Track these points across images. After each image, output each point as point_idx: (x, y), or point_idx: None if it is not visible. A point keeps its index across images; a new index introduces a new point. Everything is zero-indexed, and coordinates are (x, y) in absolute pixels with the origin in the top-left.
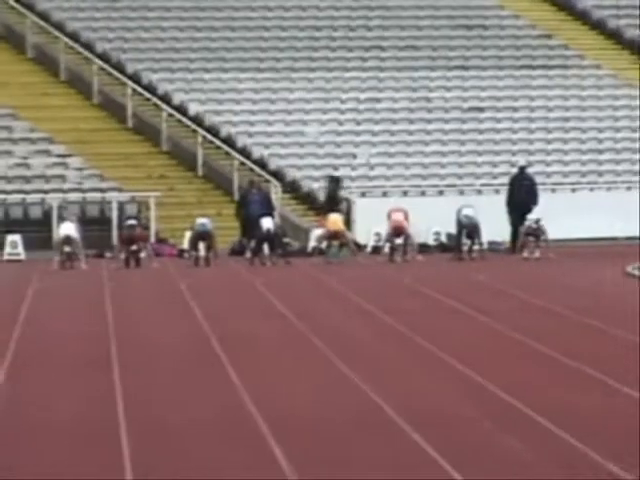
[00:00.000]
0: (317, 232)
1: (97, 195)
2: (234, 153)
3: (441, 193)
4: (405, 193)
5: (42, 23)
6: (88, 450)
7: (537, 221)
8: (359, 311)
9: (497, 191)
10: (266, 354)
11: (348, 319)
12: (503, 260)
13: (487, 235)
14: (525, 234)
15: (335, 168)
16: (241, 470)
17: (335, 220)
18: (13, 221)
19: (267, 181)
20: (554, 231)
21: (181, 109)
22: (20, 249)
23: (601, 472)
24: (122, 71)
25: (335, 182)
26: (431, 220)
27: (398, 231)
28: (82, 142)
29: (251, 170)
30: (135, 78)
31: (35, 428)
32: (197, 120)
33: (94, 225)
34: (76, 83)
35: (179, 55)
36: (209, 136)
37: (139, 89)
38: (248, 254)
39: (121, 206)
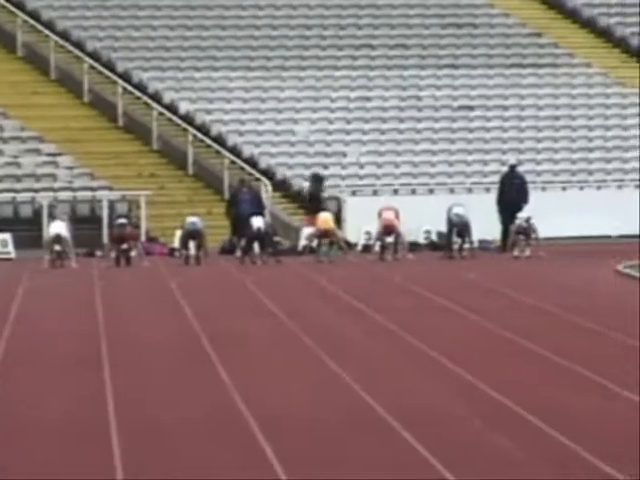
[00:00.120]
0: (307, 231)
1: (87, 194)
2: (224, 152)
3: (431, 192)
4: (395, 192)
5: (32, 22)
6: (78, 449)
7: (527, 219)
8: (350, 310)
9: (487, 190)
10: (256, 353)
11: (339, 318)
12: (493, 259)
13: (477, 234)
14: (515, 232)
15: (325, 167)
16: (232, 469)
17: (326, 219)
18: (3, 220)
19: (257, 180)
20: (544, 229)
21: (171, 108)
22: (10, 248)
23: (592, 471)
24: (112, 70)
25: (318, 181)
26: (421, 218)
27: (389, 230)
28: (72, 141)
29: (241, 169)
30: (125, 77)
31: (25, 427)
32: (187, 119)
33: (84, 224)
34: (66, 82)
35: (170, 54)
36: (199, 135)
37: (129, 88)
38: (238, 253)
39: (111, 205)
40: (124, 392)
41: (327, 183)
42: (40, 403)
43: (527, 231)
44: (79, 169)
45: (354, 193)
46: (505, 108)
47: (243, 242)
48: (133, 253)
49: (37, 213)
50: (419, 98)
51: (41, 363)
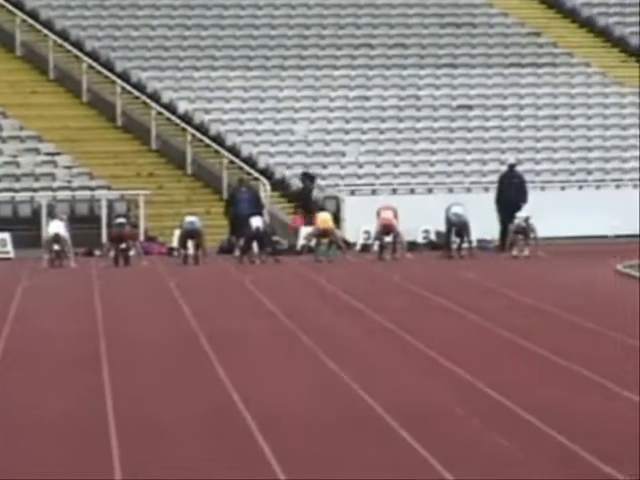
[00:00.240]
0: (306, 230)
1: (86, 193)
2: (223, 151)
3: (430, 191)
4: (394, 191)
5: (31, 21)
6: (77, 449)
7: (526, 219)
8: (348, 309)
9: (486, 189)
10: (255, 352)
11: (337, 317)
12: (492, 258)
13: (476, 233)
14: (514, 232)
15: (324, 166)
16: (230, 468)
17: (324, 218)
18: (2, 219)
19: (256, 179)
20: (543, 229)
21: (170, 107)
22: (9, 247)
23: (591, 471)
24: (111, 69)
25: (309, 179)
26: (420, 218)
27: (387, 229)
28: (71, 140)
29: (240, 168)
30: (124, 76)
31: (24, 426)
32: (186, 118)
33: (83, 223)
34: (65, 81)
35: (168, 53)
36: (198, 134)
37: (128, 87)
38: (237, 252)
39: (110, 204)
40: (123, 391)
41: (326, 182)
42: (39, 402)
43: (526, 231)
44: (78, 168)
45: (353, 192)
46: (504, 107)
47: (242, 242)
48: (132, 252)
49: (36, 212)
50: (418, 98)
51: (40, 362)
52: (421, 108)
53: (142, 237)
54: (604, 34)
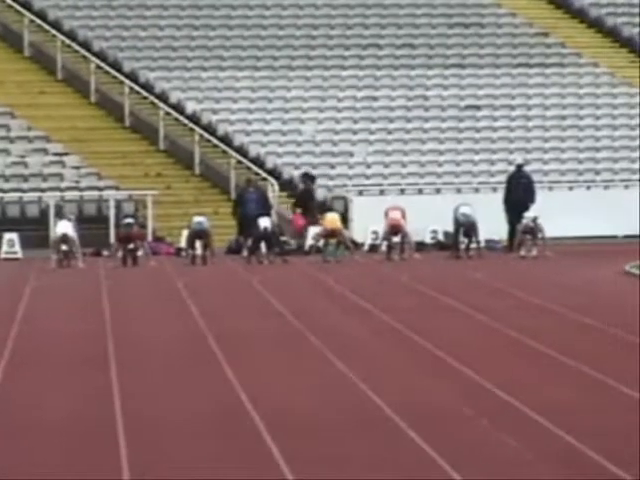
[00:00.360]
0: (314, 230)
1: (94, 193)
2: (231, 152)
3: (438, 191)
4: (402, 191)
5: (39, 21)
6: (85, 449)
7: (534, 219)
8: (356, 309)
9: (494, 189)
10: (263, 352)
11: (345, 317)
12: (500, 258)
13: (484, 233)
14: (522, 232)
15: (332, 166)
16: (238, 468)
17: (332, 218)
18: (10, 219)
19: (264, 179)
20: (551, 229)
21: (178, 108)
22: (17, 247)
23: (598, 470)
24: (119, 70)
25: (310, 180)
26: (428, 218)
27: (395, 229)
28: (79, 140)
29: (248, 168)
30: (132, 77)
31: (32, 426)
32: (194, 119)
33: (91, 223)
34: (73, 82)
35: (176, 54)
36: (206, 134)
37: (136, 87)
38: (245, 253)
39: (118, 204)
40: (131, 391)
41: (334, 183)
42: (47, 402)
43: (534, 231)
44: (86, 169)
45: (361, 193)
46: (512, 108)
47: (250, 242)
48: (140, 253)
49: (44, 213)
50: (426, 98)
51: (48, 363)
52: (429, 108)
53: (150, 237)
54: (612, 34)
